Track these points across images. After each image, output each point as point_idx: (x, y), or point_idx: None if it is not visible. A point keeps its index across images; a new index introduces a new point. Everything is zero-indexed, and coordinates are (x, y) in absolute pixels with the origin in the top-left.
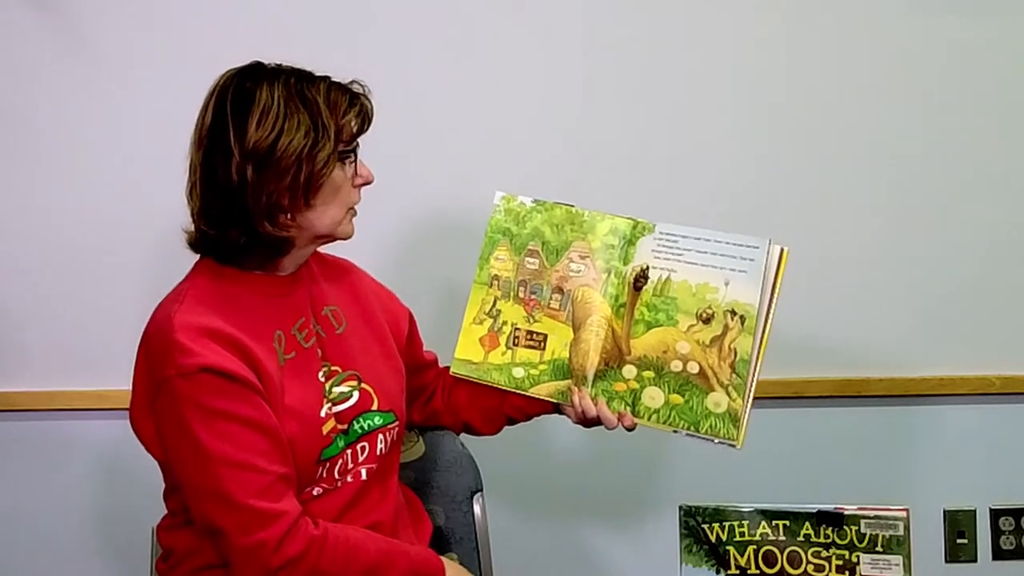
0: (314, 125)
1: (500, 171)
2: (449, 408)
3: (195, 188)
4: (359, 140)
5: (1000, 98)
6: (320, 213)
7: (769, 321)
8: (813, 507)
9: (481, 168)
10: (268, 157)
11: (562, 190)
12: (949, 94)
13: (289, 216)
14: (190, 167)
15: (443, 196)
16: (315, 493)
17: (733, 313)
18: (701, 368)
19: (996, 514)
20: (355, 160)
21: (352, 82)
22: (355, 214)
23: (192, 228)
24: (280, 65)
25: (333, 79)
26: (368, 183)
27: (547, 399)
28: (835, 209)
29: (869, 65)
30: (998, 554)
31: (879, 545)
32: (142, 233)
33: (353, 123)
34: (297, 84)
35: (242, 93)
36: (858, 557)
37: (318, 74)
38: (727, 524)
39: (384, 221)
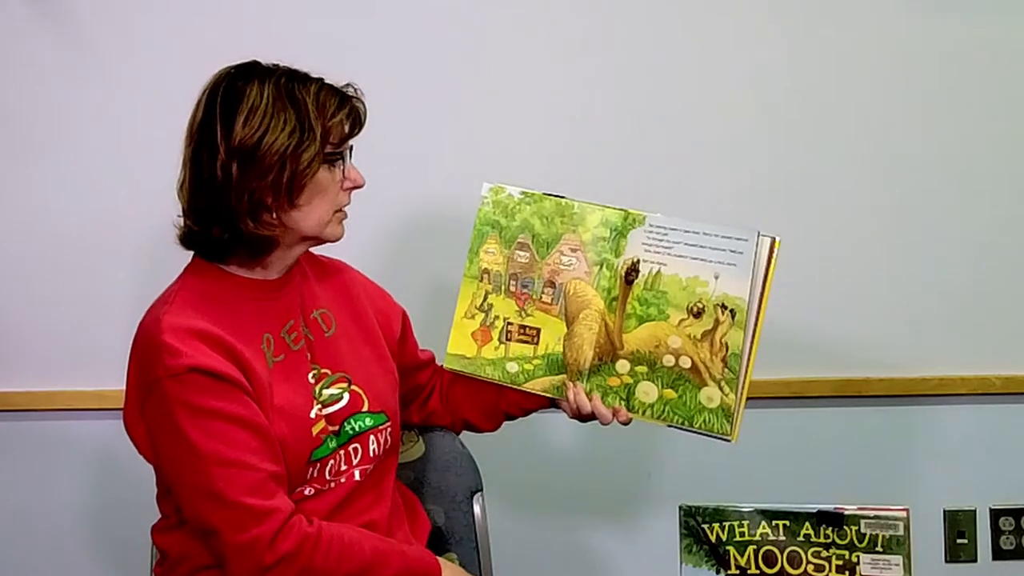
0: (300, 125)
1: (491, 165)
2: (447, 407)
3: (184, 184)
4: (352, 144)
5: (1000, 98)
6: (305, 214)
7: (762, 314)
8: (813, 507)
9: (473, 161)
10: (252, 155)
11: (557, 186)
12: (949, 94)
13: (274, 215)
14: (182, 162)
15: (432, 190)
16: (307, 493)
17: (724, 307)
18: (693, 363)
19: (996, 514)
20: (344, 163)
21: (347, 85)
22: (344, 216)
23: (182, 223)
24: (277, 65)
25: (327, 81)
26: (358, 187)
27: (542, 394)
28: (835, 209)
29: (869, 65)
30: (998, 554)
31: (879, 545)
32: (141, 232)
33: (342, 125)
34: (288, 84)
35: (232, 91)
36: (858, 557)
37: (314, 76)
38: (727, 524)
39: (373, 215)
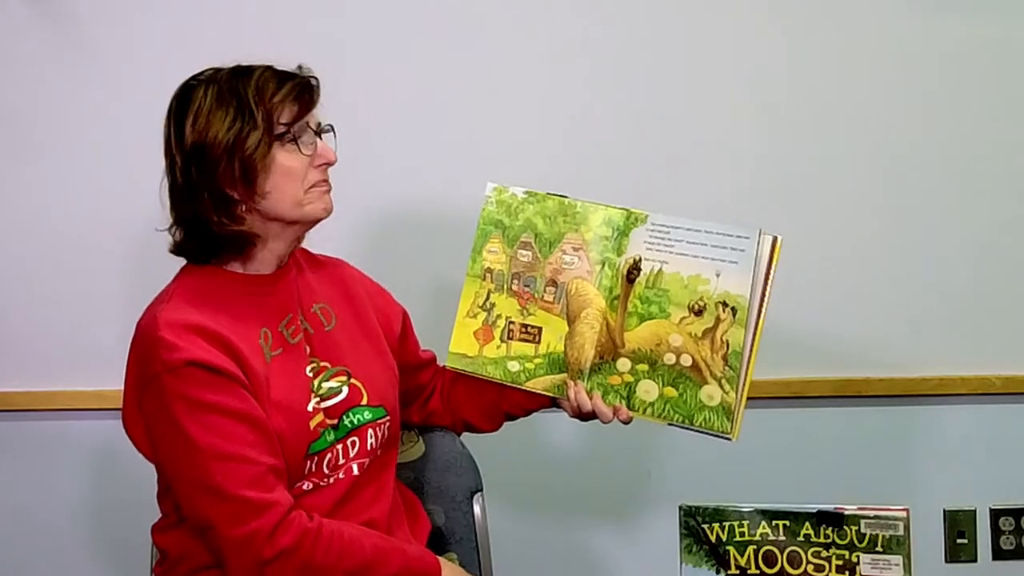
0: (240, 113)
1: (491, 165)
2: (448, 407)
3: (169, 195)
4: (326, 124)
5: (1000, 98)
6: (275, 200)
7: (763, 312)
8: (813, 507)
9: (473, 160)
10: (202, 153)
11: (557, 186)
12: (949, 94)
13: (242, 207)
14: None
15: (432, 190)
16: (305, 488)
17: (725, 305)
18: (694, 361)
19: (996, 514)
20: (298, 141)
21: (299, 67)
22: (326, 189)
23: (170, 235)
24: (237, 65)
25: (275, 67)
26: (328, 164)
27: (543, 393)
28: (835, 209)
29: (869, 65)
30: (998, 554)
31: (879, 545)
32: (140, 232)
33: (288, 103)
34: (231, 79)
35: (183, 99)
36: (858, 557)
37: (263, 65)
38: (727, 524)
39: (373, 215)
